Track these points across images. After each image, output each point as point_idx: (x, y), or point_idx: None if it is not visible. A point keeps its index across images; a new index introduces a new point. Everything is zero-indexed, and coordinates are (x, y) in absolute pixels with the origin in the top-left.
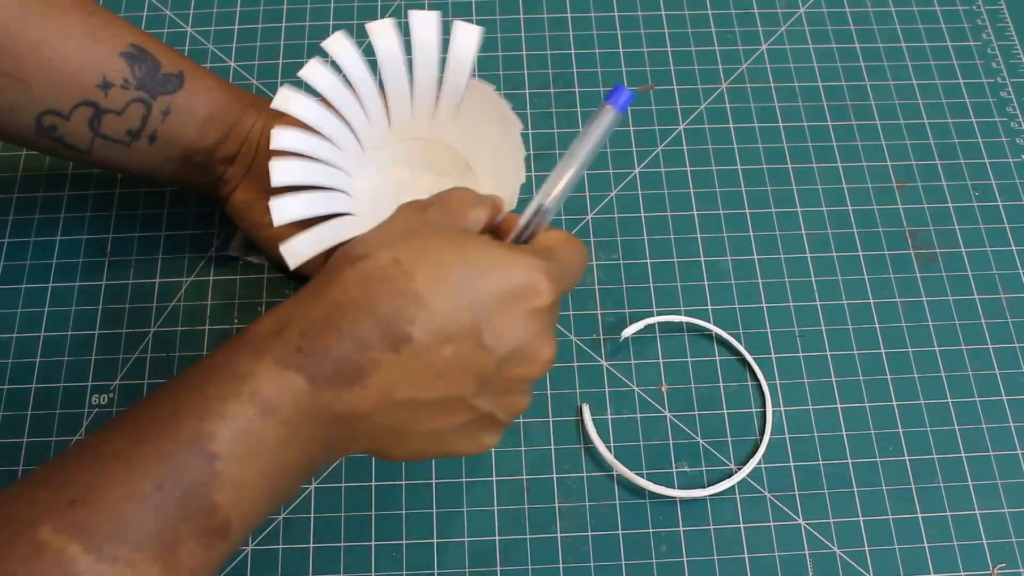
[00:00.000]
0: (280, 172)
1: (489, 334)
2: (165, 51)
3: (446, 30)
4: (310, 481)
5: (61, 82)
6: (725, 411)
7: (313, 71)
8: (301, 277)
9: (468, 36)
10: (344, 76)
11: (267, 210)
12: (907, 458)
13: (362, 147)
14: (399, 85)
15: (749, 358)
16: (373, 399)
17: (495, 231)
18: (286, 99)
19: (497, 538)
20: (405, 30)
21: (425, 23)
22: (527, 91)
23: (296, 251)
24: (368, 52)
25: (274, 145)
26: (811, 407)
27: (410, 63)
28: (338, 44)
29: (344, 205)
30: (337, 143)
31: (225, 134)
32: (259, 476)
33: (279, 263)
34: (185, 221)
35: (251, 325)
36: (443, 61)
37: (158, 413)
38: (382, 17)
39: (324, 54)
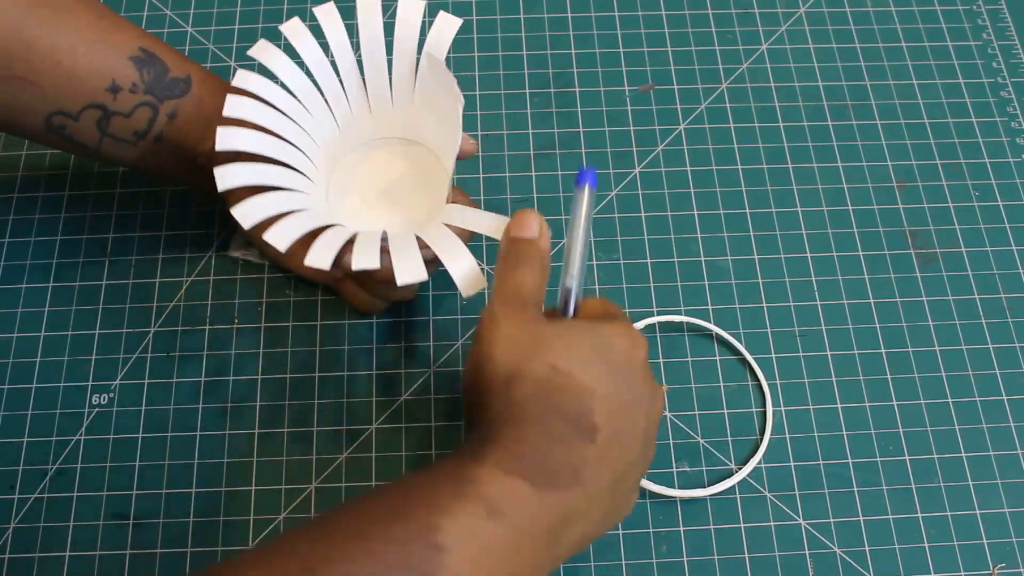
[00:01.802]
0: (226, 177)
1: (636, 393)
2: (172, 55)
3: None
4: (310, 481)
5: (71, 85)
6: (725, 411)
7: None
8: (302, 278)
9: (449, 23)
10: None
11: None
12: (907, 458)
13: (338, 127)
14: (379, 65)
15: (749, 358)
16: (587, 494)
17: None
18: (244, 79)
19: None
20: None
21: (412, 8)
22: (527, 91)
23: (279, 235)
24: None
25: (227, 112)
26: (811, 407)
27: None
28: (329, 16)
29: (303, 199)
30: (289, 153)
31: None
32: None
33: (278, 262)
34: (185, 221)
35: (462, 444)
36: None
37: (389, 502)
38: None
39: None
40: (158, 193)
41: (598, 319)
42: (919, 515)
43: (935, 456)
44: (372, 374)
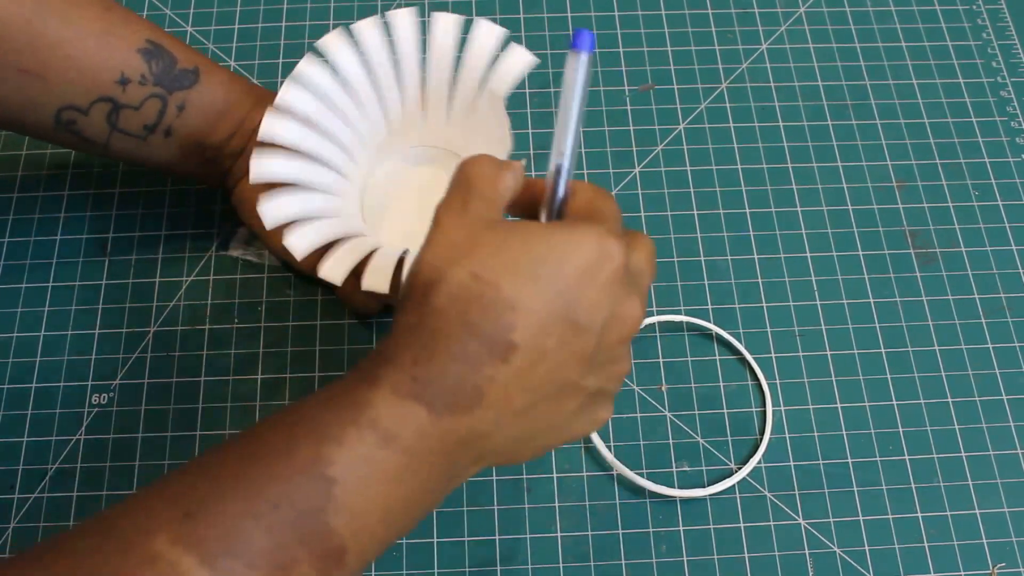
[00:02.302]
0: (260, 168)
1: (582, 314)
2: (180, 47)
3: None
4: None
5: (80, 78)
6: (725, 411)
7: (335, 46)
8: (304, 275)
9: (489, 36)
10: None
11: None
12: (907, 458)
13: (364, 145)
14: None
15: (749, 358)
16: (493, 416)
17: (527, 199)
18: (271, 128)
19: (497, 538)
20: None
21: (451, 24)
22: (527, 91)
23: (297, 245)
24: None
25: (263, 135)
26: (811, 407)
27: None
28: (370, 30)
29: (336, 205)
30: (329, 154)
31: (235, 129)
32: (378, 506)
33: (280, 255)
34: (185, 221)
35: (360, 361)
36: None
37: (272, 437)
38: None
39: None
40: (158, 193)
41: (566, 223)
42: (919, 515)
43: (935, 456)
44: None
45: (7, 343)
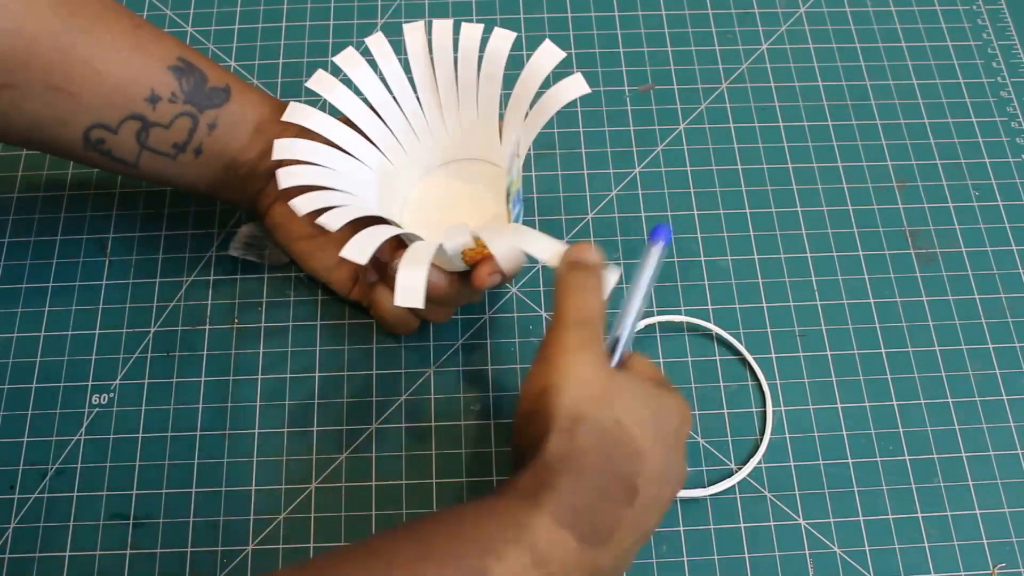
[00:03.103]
0: (291, 175)
1: (673, 465)
2: (211, 65)
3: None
4: (310, 481)
5: (110, 96)
6: (725, 411)
7: (361, 77)
8: (309, 277)
9: (551, 55)
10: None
11: (312, 237)
12: (907, 458)
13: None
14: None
15: (749, 358)
16: (614, 552)
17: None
18: (283, 149)
19: None
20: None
21: (503, 36)
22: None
23: (354, 252)
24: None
25: (283, 183)
26: (811, 407)
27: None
28: (380, 47)
29: (358, 201)
30: (350, 174)
31: (267, 148)
32: None
33: (313, 275)
34: (185, 221)
35: (519, 476)
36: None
37: (439, 541)
38: (381, 18)
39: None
40: (158, 193)
41: (654, 383)
42: (919, 515)
43: (935, 456)
44: (372, 374)
45: (7, 343)
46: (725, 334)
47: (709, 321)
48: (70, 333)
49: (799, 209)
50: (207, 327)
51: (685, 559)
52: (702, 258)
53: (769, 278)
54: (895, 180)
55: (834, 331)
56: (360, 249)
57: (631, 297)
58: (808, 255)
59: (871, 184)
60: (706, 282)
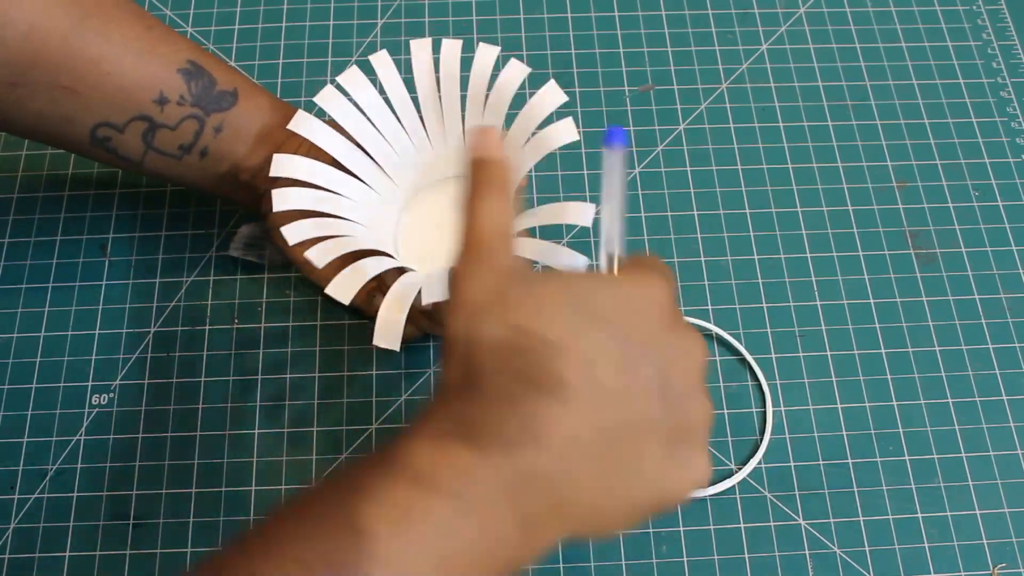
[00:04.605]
0: (284, 199)
1: (635, 346)
2: (220, 67)
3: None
4: (310, 481)
5: (118, 96)
6: (725, 411)
7: (330, 99)
8: (314, 285)
9: (515, 71)
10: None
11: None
12: (907, 458)
13: (390, 177)
14: (453, 107)
15: (749, 358)
16: (558, 457)
17: None
18: (281, 166)
19: None
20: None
21: (487, 53)
22: (527, 91)
23: (338, 291)
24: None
25: (277, 207)
26: (811, 407)
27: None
28: (384, 63)
29: (352, 225)
30: (346, 192)
31: (271, 154)
32: (430, 557)
33: (312, 284)
34: (185, 221)
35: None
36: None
37: (309, 499)
38: (381, 18)
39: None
40: (158, 193)
41: (620, 275)
42: (919, 515)
43: (935, 456)
44: (372, 374)
45: (7, 343)
46: (725, 334)
47: (709, 321)
48: (70, 333)
49: (799, 209)
50: (207, 327)
51: (685, 559)
52: (702, 258)
53: (769, 278)
54: (895, 180)
55: (834, 331)
56: (343, 289)
57: (609, 212)
58: (808, 255)
59: (871, 184)
60: (706, 282)
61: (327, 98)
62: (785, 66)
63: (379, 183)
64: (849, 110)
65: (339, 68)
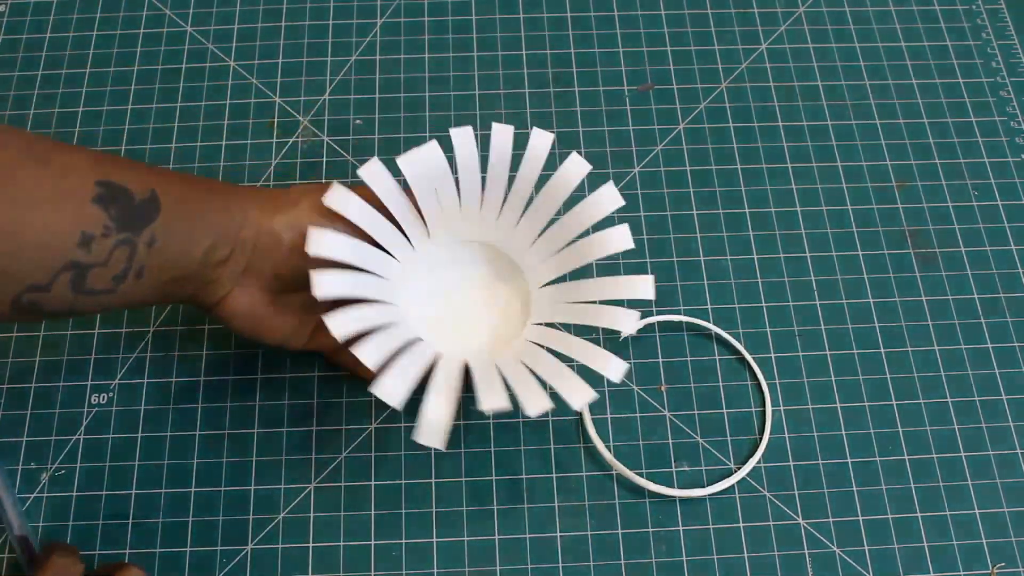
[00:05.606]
0: (323, 284)
1: None
2: (128, 171)
3: (521, 143)
4: (309, 481)
5: (38, 255)
6: (725, 411)
7: (374, 173)
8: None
9: (543, 141)
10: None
11: (276, 313)
12: (907, 458)
13: (413, 247)
14: (472, 187)
15: (749, 358)
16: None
17: None
18: (318, 242)
19: (497, 538)
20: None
21: (503, 133)
22: (527, 91)
23: (388, 391)
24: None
25: (313, 251)
26: (811, 407)
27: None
28: (429, 149)
29: (389, 305)
30: (379, 261)
31: (215, 238)
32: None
33: (263, 344)
34: None
35: None
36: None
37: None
38: (380, 18)
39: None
40: None
41: None
42: (918, 515)
43: (934, 456)
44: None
45: (7, 343)
46: (724, 334)
47: (708, 321)
48: (70, 333)
49: (798, 209)
50: (206, 327)
51: (684, 559)
52: (702, 258)
53: (768, 278)
54: (894, 180)
55: (833, 331)
56: (392, 392)
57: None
58: (807, 255)
59: (870, 184)
60: (706, 282)
61: (373, 172)
62: (784, 65)
63: (406, 259)
64: (848, 109)
65: (339, 68)
